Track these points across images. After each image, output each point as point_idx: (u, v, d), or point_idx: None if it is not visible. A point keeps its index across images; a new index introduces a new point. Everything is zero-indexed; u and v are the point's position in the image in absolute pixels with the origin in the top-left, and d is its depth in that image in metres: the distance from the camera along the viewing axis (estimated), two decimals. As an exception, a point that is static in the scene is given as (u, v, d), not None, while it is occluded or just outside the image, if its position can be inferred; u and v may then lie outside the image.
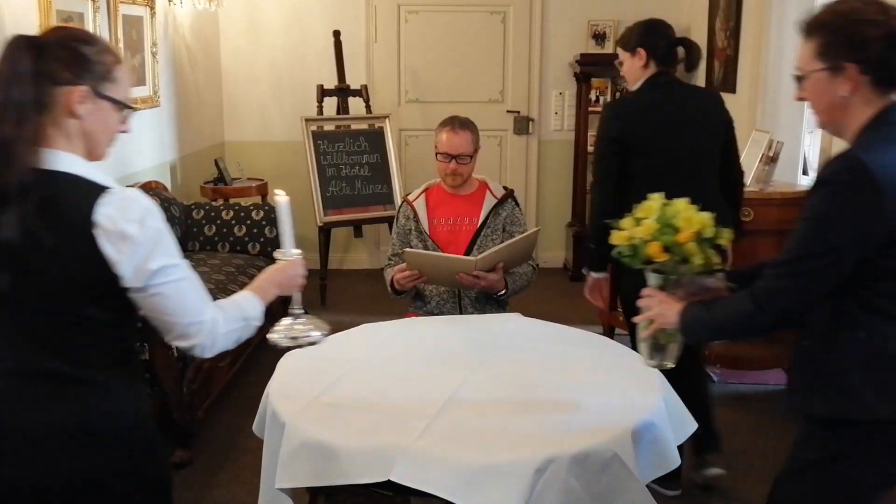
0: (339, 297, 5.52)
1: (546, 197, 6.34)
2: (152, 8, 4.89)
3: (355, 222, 5.74)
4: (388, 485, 1.86)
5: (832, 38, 1.68)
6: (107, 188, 1.55)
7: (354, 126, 5.74)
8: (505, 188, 3.37)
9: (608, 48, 5.98)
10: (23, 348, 1.59)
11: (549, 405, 2.16)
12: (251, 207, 4.87)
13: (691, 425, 2.24)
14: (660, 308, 1.97)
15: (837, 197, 1.65)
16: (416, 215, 3.29)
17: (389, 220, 4.83)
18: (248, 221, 4.77)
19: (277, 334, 2.00)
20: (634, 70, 3.06)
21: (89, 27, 4.12)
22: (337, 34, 5.67)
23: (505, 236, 3.22)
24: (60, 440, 1.57)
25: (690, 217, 1.94)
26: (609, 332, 4.30)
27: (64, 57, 1.56)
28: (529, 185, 6.30)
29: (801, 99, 1.82)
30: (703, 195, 2.18)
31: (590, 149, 6.00)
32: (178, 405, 3.33)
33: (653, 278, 2.04)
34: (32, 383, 1.58)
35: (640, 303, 2.04)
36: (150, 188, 4.53)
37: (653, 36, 3.02)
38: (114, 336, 1.64)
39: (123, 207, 1.54)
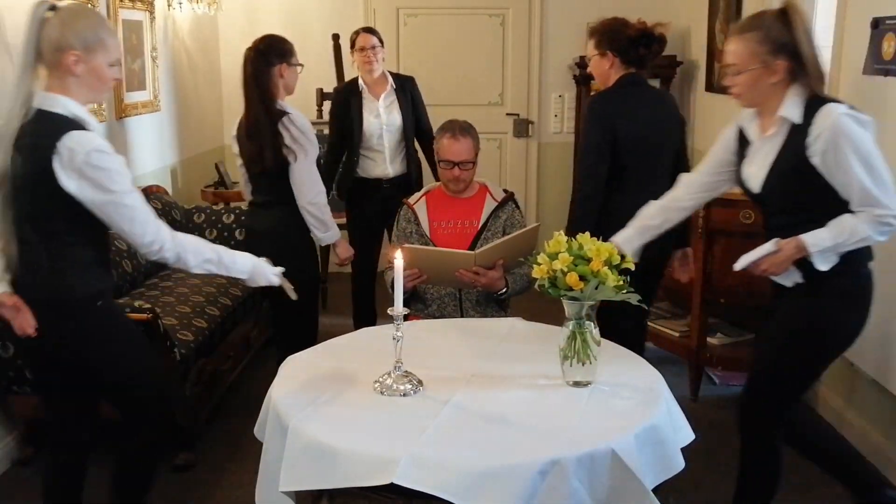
0: (339, 300, 5.51)
1: (546, 199, 6.34)
2: (152, 13, 4.90)
3: (355, 225, 5.71)
4: (392, 487, 1.86)
5: (602, 37, 3.11)
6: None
7: (354, 129, 5.72)
8: (505, 191, 3.38)
9: (607, 50, 5.98)
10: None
11: (552, 408, 2.16)
12: (252, 211, 4.86)
13: (689, 433, 2.25)
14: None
15: (592, 126, 3.08)
16: (416, 218, 3.30)
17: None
18: (249, 225, 4.75)
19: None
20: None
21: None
22: (336, 38, 5.68)
23: (505, 238, 3.22)
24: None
25: (599, 247, 2.18)
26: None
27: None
28: (529, 187, 6.31)
29: (589, 73, 3.33)
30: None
31: (589, 151, 6.01)
32: (181, 407, 3.33)
33: (570, 306, 2.23)
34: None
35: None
36: (151, 192, 4.53)
37: None
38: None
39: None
